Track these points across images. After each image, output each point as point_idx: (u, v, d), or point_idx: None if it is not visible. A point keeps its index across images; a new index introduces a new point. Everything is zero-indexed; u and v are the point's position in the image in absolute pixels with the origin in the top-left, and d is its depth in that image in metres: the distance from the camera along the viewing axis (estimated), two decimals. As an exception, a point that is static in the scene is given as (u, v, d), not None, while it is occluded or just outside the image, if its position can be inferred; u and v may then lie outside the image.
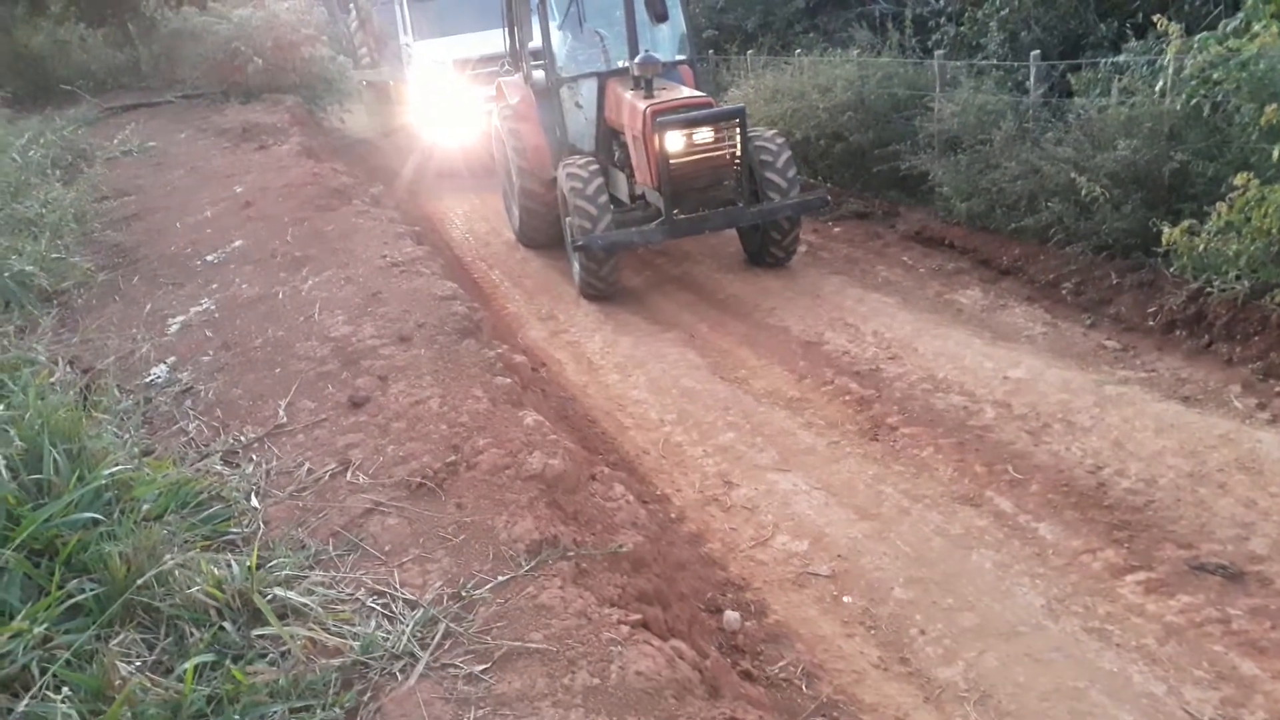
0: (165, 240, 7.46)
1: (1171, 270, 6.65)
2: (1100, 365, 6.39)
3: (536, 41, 9.93)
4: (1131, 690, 3.60)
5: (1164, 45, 7.06)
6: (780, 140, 8.97)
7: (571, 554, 3.07)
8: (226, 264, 6.54)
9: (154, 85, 18.00)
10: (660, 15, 9.17)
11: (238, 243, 6.97)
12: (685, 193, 8.21)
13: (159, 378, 4.81)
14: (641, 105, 8.21)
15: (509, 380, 4.30)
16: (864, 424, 6.02)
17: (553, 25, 9.59)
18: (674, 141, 7.97)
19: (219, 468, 3.73)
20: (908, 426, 5.85)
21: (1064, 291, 7.52)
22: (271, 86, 16.99)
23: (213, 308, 5.69)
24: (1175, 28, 6.66)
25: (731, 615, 4.19)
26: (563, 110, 9.73)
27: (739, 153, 8.23)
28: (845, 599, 4.37)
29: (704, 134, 8.07)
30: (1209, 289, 6.37)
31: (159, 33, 18.81)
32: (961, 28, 12.36)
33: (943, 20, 12.96)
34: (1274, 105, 5.69)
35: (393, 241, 6.69)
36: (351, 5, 18.72)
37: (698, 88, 9.52)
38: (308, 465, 3.72)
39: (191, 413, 4.36)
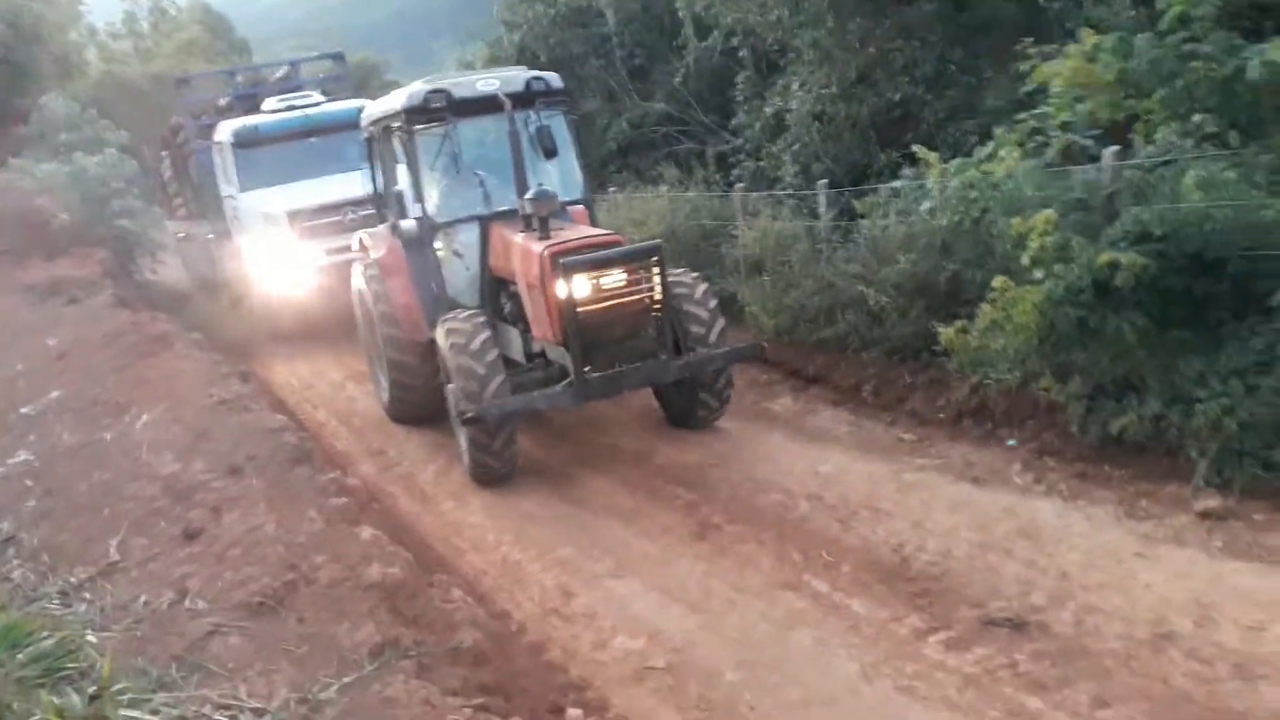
0: (-27, 397, 7.26)
1: (952, 367, 7.39)
2: (900, 456, 7.01)
3: (401, 185, 8.88)
4: (938, 736, 3.98)
5: (929, 171, 8.00)
6: (698, 278, 8.02)
7: (413, 653, 3.23)
8: (44, 415, 6.43)
9: (-54, 245, 17.28)
10: (549, 150, 8.06)
11: (55, 393, 6.87)
12: (597, 347, 7.11)
13: (-24, 530, 4.70)
14: (537, 248, 7.14)
15: (344, 500, 4.45)
16: (693, 526, 6.35)
17: (424, 166, 8.24)
18: (580, 287, 6.89)
19: (51, 608, 3.71)
20: (732, 525, 6.24)
21: (865, 394, 8.18)
22: (80, 240, 16.65)
23: (31, 458, 5.60)
24: (933, 156, 7.59)
25: (574, 712, 4.34)
26: (438, 261, 8.38)
27: (658, 296, 7.19)
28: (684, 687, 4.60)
29: (616, 277, 7.02)
30: (986, 381, 7.11)
31: (-47, 191, 18.18)
32: (760, 162, 13.45)
33: (742, 156, 14.08)
34: (1018, 218, 6.55)
35: (219, 381, 6.75)
36: (164, 155, 17.98)
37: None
38: (144, 598, 3.76)
39: (15, 560, 4.30)
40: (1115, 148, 6.92)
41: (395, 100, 8.36)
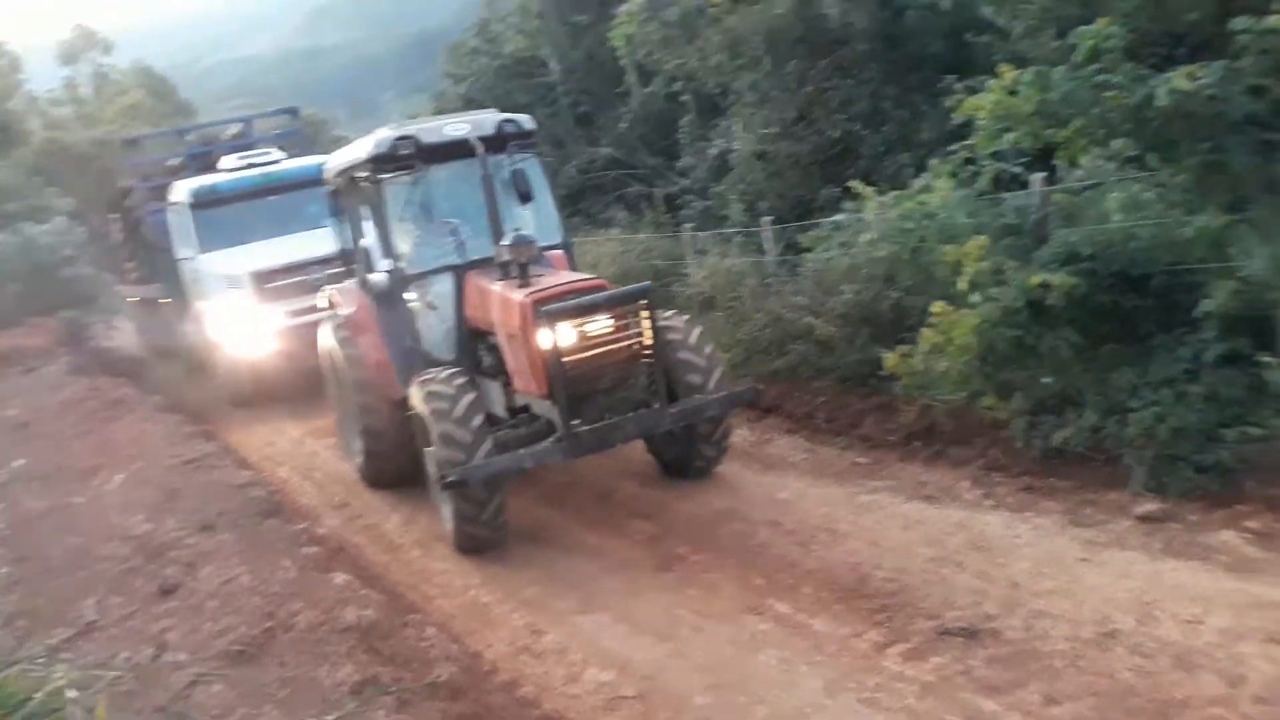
0: (-65, 471, 7.26)
1: (900, 391, 7.64)
2: (854, 479, 7.24)
3: (368, 238, 8.31)
4: (899, 743, 4.16)
5: (867, 204, 8.33)
6: (689, 321, 7.61)
7: (393, 689, 3.36)
8: (10, 483, 6.46)
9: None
10: (524, 194, 7.76)
11: (19, 462, 6.89)
12: (586, 398, 6.69)
13: (-51, 600, 4.75)
14: (517, 296, 6.80)
15: (316, 549, 4.57)
16: (657, 558, 6.49)
17: (392, 216, 7.82)
18: (565, 336, 6.51)
19: (33, 670, 3.78)
20: (696, 555, 6.39)
21: (818, 421, 8.43)
22: (32, 310, 16.61)
23: (1, 526, 5.64)
24: (869, 190, 7.91)
25: (550, 743, 4.48)
26: (412, 315, 7.92)
27: (648, 342, 6.80)
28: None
29: (602, 323, 6.66)
30: (933, 403, 7.38)
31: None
32: (707, 202, 13.81)
33: (690, 197, 14.44)
34: (953, 246, 6.86)
35: (183, 441, 6.83)
36: (113, 219, 17.56)
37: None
38: (125, 653, 3.85)
39: (-9, 626, 4.36)
40: (1043, 174, 7.28)
41: (360, 149, 8.03)
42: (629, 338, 6.75)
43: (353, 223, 8.75)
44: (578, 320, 6.57)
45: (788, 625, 5.32)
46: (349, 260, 8.92)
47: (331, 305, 9.09)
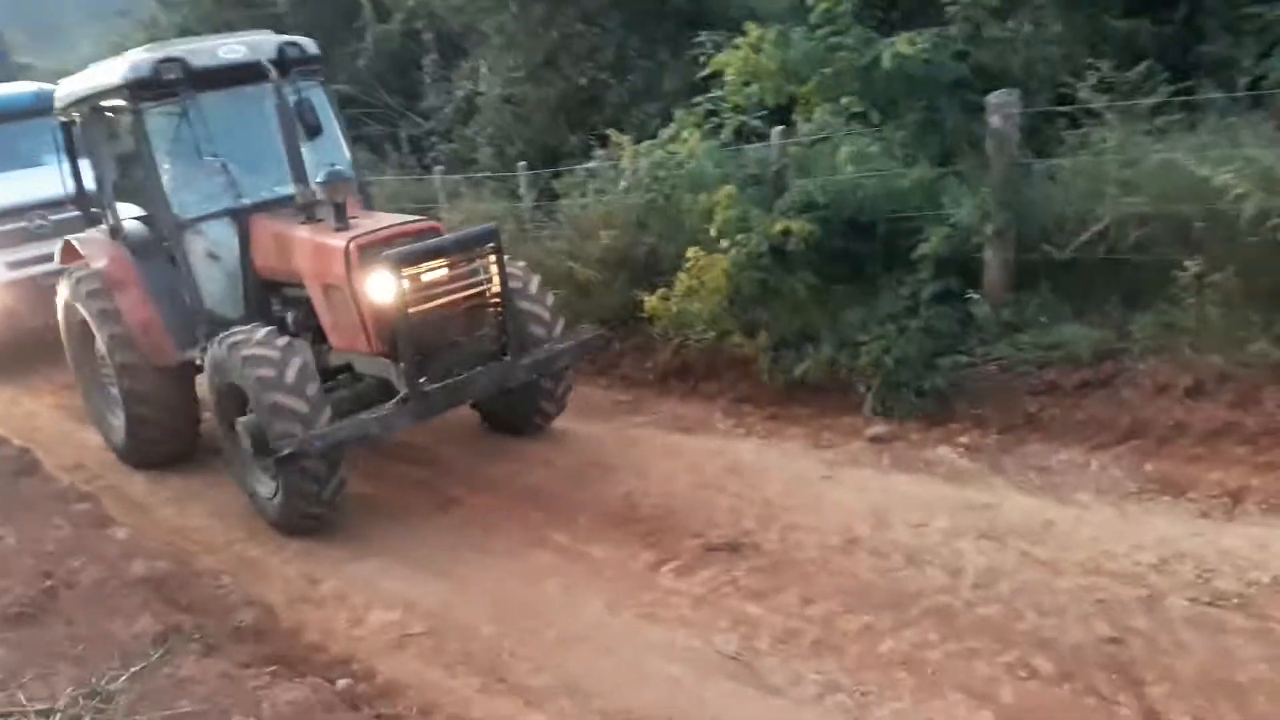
0: None
1: (656, 332, 8.08)
2: (618, 416, 7.67)
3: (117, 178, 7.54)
4: (678, 649, 4.58)
5: (621, 153, 8.63)
6: (524, 266, 7.23)
7: (197, 635, 3.35)
8: None
9: None
10: (313, 128, 6.91)
11: None
12: (430, 353, 6.10)
13: None
14: (337, 242, 6.11)
15: (88, 505, 4.38)
16: (434, 501, 6.60)
17: (156, 152, 6.84)
18: (407, 284, 5.85)
19: None
20: (472, 496, 6.56)
21: (580, 363, 8.70)
22: None
23: None
24: (625, 139, 8.21)
25: (344, 682, 4.53)
26: (190, 266, 6.98)
27: (497, 289, 6.29)
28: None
29: (447, 269, 6.06)
30: (687, 343, 7.87)
31: None
32: (453, 144, 13.70)
33: (435, 139, 14.25)
34: (704, 194, 7.31)
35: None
36: None
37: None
38: (-126, 632, 3.56)
39: None
40: (781, 127, 7.85)
41: (110, 74, 6.96)
42: (479, 284, 6.21)
43: (95, 161, 7.71)
44: (421, 266, 5.94)
45: (567, 554, 5.63)
46: (88, 204, 8.04)
47: (70, 258, 7.90)
